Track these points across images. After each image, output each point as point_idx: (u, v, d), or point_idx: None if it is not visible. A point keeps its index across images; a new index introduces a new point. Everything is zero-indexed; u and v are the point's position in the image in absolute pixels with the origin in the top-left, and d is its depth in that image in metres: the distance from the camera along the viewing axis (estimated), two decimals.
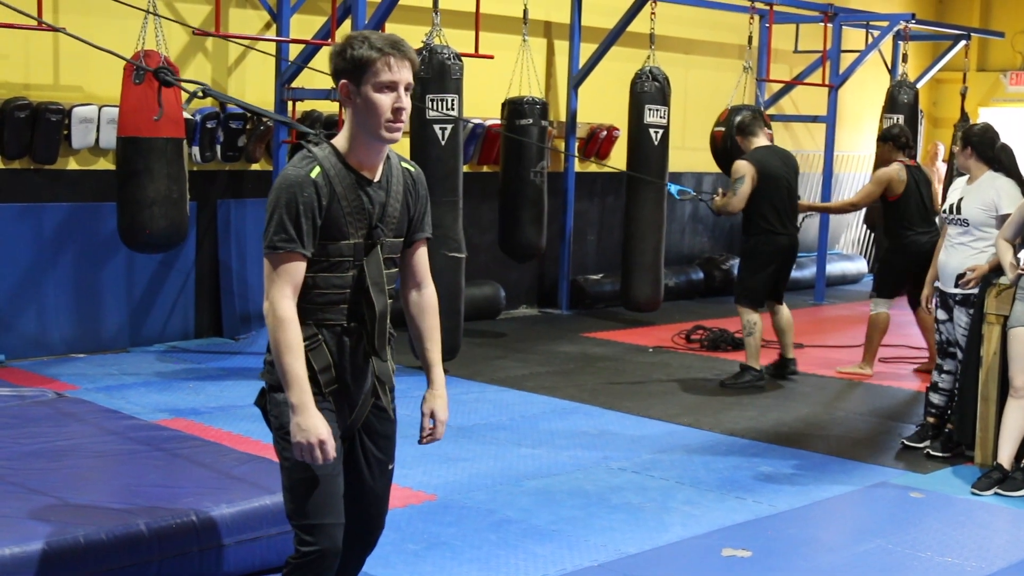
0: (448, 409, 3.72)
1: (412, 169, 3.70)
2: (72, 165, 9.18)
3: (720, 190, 9.41)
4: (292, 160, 3.49)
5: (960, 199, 7.07)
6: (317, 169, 3.42)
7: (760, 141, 9.03)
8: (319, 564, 3.49)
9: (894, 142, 9.13)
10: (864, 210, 9.53)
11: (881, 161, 9.18)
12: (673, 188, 9.40)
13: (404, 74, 3.44)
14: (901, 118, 13.15)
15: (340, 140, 3.50)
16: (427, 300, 3.74)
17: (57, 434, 5.52)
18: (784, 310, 9.12)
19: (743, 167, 8.80)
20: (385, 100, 3.41)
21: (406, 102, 3.45)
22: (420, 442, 3.71)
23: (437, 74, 8.86)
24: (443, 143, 8.91)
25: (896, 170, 8.93)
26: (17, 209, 8.86)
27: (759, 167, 8.79)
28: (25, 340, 8.98)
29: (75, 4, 8.99)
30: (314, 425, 3.35)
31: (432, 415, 3.69)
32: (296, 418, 3.36)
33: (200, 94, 4.73)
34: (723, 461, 6.91)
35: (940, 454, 7.05)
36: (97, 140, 9.08)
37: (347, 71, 3.43)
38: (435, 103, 8.83)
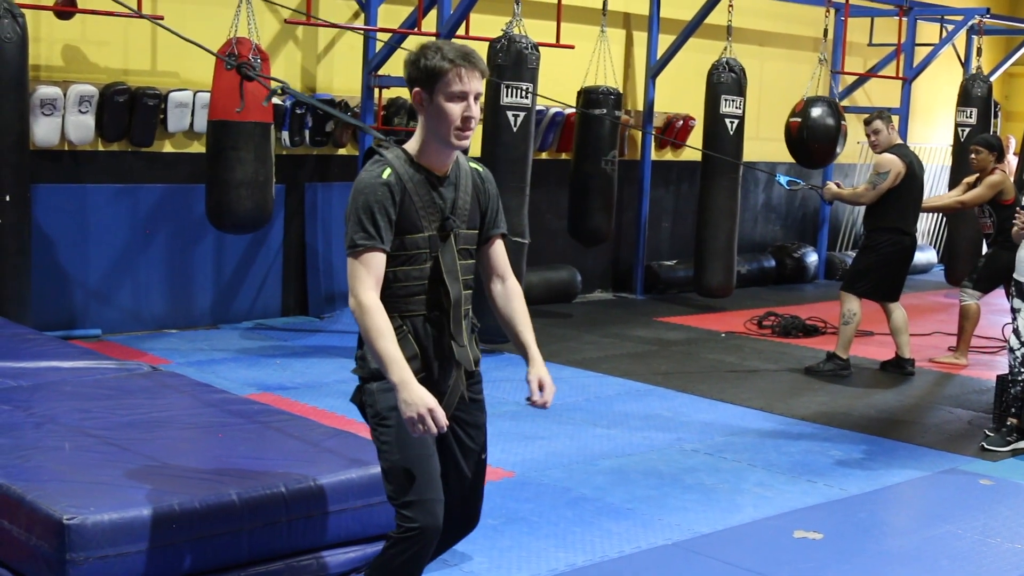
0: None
1: (480, 169, 3.88)
2: (167, 148, 9.46)
3: (836, 181, 9.46)
4: (366, 165, 3.69)
5: None
6: (388, 170, 3.61)
7: (896, 138, 8.95)
8: (419, 540, 3.58)
9: (1000, 153, 9.21)
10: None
11: (979, 168, 9.22)
12: (783, 179, 9.40)
13: (474, 84, 3.62)
14: (975, 111, 13.16)
15: (412, 143, 3.71)
16: (511, 288, 3.89)
17: (152, 405, 5.58)
18: (899, 310, 8.98)
19: (892, 162, 8.67)
20: (455, 109, 3.59)
21: (475, 111, 3.64)
22: (527, 400, 3.76)
23: (514, 62, 9.08)
24: (515, 129, 9.08)
25: (1005, 177, 9.06)
26: (115, 189, 9.16)
27: (908, 165, 8.73)
28: (121, 315, 9.28)
29: None
30: (419, 396, 3.46)
31: (540, 384, 3.75)
32: (401, 395, 3.45)
33: (279, 91, 4.82)
34: (795, 445, 7.01)
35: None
36: (192, 124, 9.35)
37: (420, 80, 3.62)
38: (510, 90, 9.04)
